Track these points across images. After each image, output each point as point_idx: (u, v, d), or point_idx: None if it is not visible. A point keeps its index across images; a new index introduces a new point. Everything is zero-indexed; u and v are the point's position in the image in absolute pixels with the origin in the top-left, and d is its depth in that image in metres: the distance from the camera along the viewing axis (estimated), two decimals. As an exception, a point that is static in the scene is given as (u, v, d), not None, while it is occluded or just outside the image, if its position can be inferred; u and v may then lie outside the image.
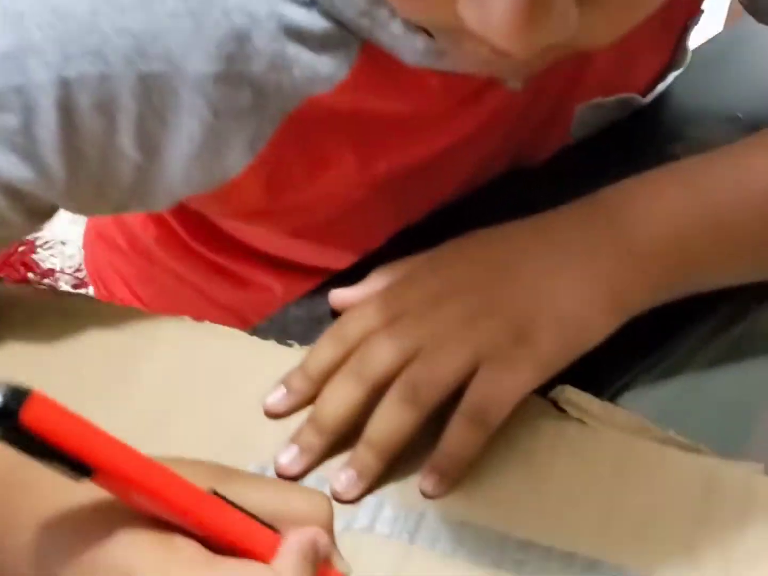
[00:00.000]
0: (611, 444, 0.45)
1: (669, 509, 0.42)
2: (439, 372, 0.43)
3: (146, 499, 0.33)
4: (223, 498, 0.34)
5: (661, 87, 0.60)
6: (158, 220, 0.68)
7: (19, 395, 0.29)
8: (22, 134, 0.42)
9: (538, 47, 0.31)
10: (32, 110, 0.42)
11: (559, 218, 0.48)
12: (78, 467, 0.31)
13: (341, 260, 0.54)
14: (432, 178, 0.54)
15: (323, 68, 0.45)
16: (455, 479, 0.43)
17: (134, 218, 0.70)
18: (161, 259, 0.70)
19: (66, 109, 0.42)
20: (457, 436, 0.43)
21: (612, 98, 0.57)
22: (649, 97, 0.60)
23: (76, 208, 0.49)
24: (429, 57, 0.44)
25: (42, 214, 0.48)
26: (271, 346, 0.48)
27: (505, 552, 0.41)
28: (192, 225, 0.65)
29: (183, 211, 0.63)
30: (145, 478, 0.32)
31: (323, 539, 0.35)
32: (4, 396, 0.29)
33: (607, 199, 0.48)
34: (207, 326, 0.49)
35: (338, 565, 0.37)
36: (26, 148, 0.43)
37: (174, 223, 0.66)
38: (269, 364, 0.47)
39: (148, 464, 0.32)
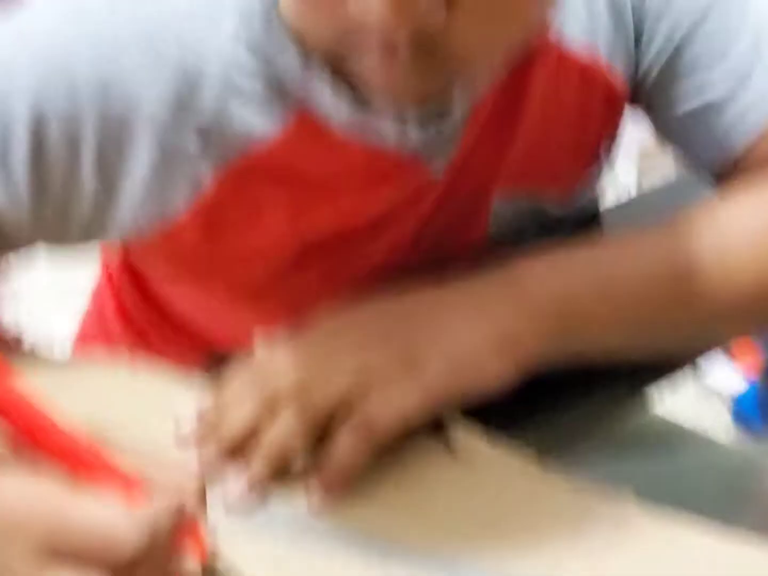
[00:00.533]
0: (495, 483, 0.47)
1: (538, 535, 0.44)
2: (329, 388, 0.47)
3: (24, 429, 0.36)
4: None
5: (573, 200, 0.66)
6: (124, 314, 0.73)
7: None
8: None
9: (409, 25, 0.39)
10: (8, 140, 0.49)
11: (466, 279, 0.53)
12: None
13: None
14: (353, 251, 0.59)
15: (259, 125, 0.51)
16: (340, 491, 0.46)
17: (112, 313, 0.75)
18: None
19: (38, 139, 0.49)
20: (344, 446, 0.46)
21: (525, 196, 0.62)
22: (563, 209, 0.66)
23: (43, 236, 0.54)
24: (354, 125, 0.51)
25: (9, 243, 0.54)
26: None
27: (375, 550, 0.43)
28: (149, 315, 0.71)
29: (143, 304, 0.70)
30: (18, 402, 0.36)
31: (191, 504, 0.38)
32: None
33: (510, 265, 0.53)
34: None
35: (204, 537, 0.39)
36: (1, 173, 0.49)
37: (135, 314, 0.72)
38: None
39: (20, 393, 0.36)
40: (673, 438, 0.73)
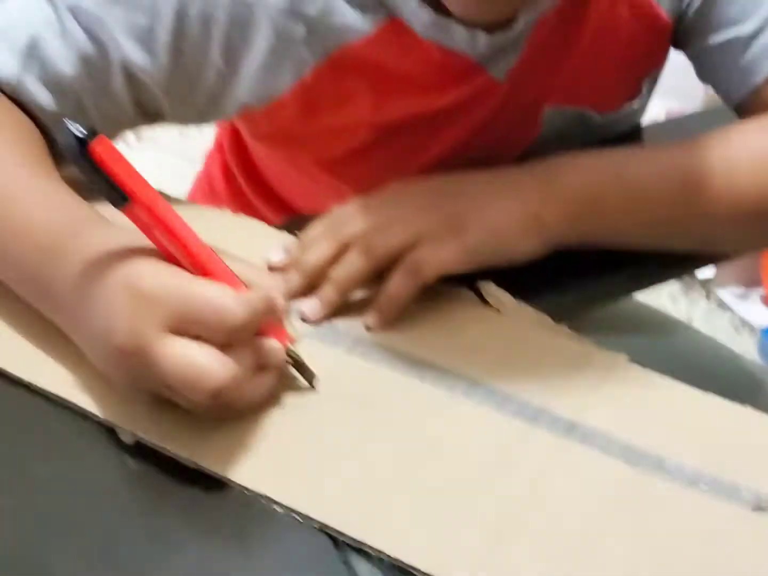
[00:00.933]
0: (514, 326, 0.58)
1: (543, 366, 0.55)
2: (389, 238, 0.58)
3: (162, 235, 0.46)
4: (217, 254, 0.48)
5: (616, 113, 0.76)
6: (228, 177, 0.86)
7: (92, 133, 0.44)
8: (147, 31, 0.60)
9: None
10: (158, 14, 0.60)
11: (505, 168, 0.63)
12: (119, 195, 0.45)
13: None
14: (423, 138, 0.70)
15: (356, 23, 0.62)
16: (391, 318, 0.57)
17: (219, 178, 0.89)
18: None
19: (180, 17, 0.60)
20: (396, 282, 0.57)
21: (573, 108, 0.72)
22: (605, 117, 0.75)
23: (170, 109, 0.65)
24: (433, 30, 0.61)
25: (146, 111, 0.65)
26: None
27: (416, 366, 0.54)
28: (247, 176, 0.83)
29: (243, 162, 0.82)
30: (165, 216, 0.46)
31: (280, 303, 0.49)
32: (85, 131, 0.43)
33: (544, 161, 0.63)
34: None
35: (288, 328, 0.51)
36: (147, 42, 0.61)
37: (237, 174, 0.84)
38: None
39: (170, 208, 0.46)
40: (670, 325, 0.84)
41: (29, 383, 0.51)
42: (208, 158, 0.94)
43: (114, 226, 0.51)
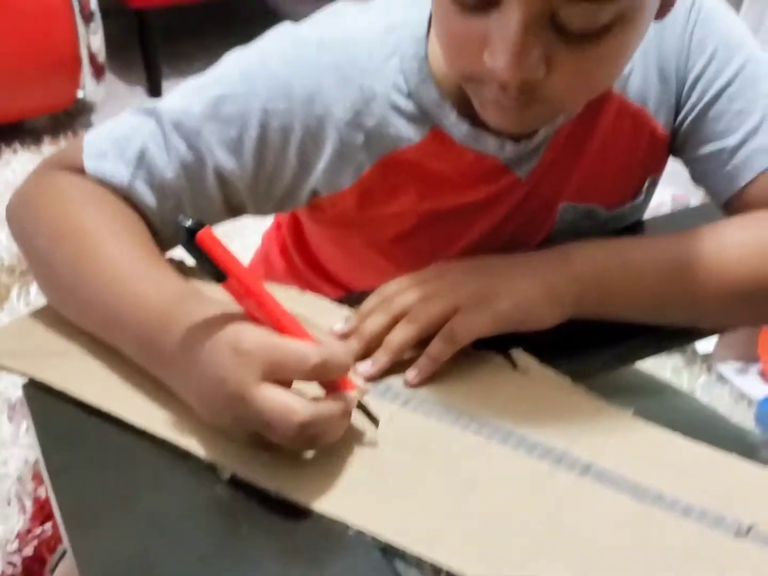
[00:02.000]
0: (539, 386, 0.70)
1: (564, 419, 0.67)
2: (431, 309, 0.69)
3: (254, 305, 0.58)
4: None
5: (621, 209, 0.88)
6: (286, 254, 0.99)
7: (199, 225, 0.55)
8: (237, 141, 0.73)
9: (521, 78, 0.61)
10: (245, 127, 0.73)
11: (527, 252, 0.75)
12: (219, 273, 0.56)
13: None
14: (458, 227, 0.82)
15: (407, 133, 0.76)
16: (427, 376, 0.69)
17: (277, 254, 1.01)
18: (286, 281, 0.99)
19: (263, 128, 0.73)
20: (434, 346, 0.69)
21: (584, 205, 0.84)
22: (612, 212, 0.87)
23: (253, 203, 0.78)
24: (469, 138, 0.75)
25: (232, 206, 0.78)
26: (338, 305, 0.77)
27: (460, 418, 0.66)
28: (303, 256, 0.96)
29: (300, 244, 0.94)
30: (256, 290, 0.57)
31: (348, 358, 0.60)
32: (193, 223, 0.55)
33: (559, 247, 0.75)
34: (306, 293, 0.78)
35: (354, 379, 0.62)
36: (236, 150, 0.74)
37: (293, 254, 0.97)
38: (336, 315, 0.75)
39: (260, 283, 0.58)
40: (670, 391, 0.96)
41: (144, 429, 0.63)
42: (265, 237, 1.07)
43: (208, 297, 0.62)
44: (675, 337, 0.80)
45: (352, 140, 0.75)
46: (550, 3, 0.59)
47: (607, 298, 0.74)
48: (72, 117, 2.45)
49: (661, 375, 1.68)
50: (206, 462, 0.60)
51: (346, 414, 0.60)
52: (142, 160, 0.73)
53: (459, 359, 0.70)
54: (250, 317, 0.59)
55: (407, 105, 0.75)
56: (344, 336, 0.71)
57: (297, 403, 0.56)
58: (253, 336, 0.57)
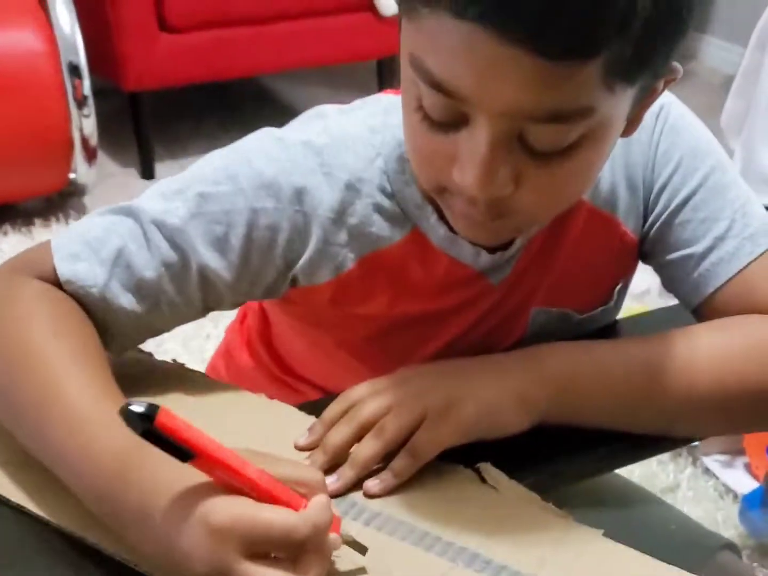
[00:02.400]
0: (508, 502, 0.69)
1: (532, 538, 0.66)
2: (397, 422, 0.69)
3: (225, 474, 0.54)
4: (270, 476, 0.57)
5: (592, 312, 0.88)
6: (252, 350, 0.98)
7: (153, 408, 0.51)
8: (223, 239, 0.73)
9: (490, 196, 0.62)
10: (232, 225, 0.73)
11: (496, 355, 0.75)
12: (185, 453, 0.52)
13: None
14: (429, 331, 0.82)
15: (388, 233, 0.76)
16: (390, 489, 0.68)
17: (239, 349, 1.00)
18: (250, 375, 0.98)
19: (251, 227, 0.73)
20: (398, 462, 0.68)
21: (555, 310, 0.84)
22: (584, 316, 0.87)
23: (231, 300, 0.77)
24: (446, 243, 0.76)
25: (209, 306, 0.77)
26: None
27: (425, 538, 0.65)
28: (270, 353, 0.95)
29: (266, 341, 0.94)
30: (227, 461, 0.54)
31: (323, 493, 0.59)
32: (146, 408, 0.51)
33: (528, 349, 0.75)
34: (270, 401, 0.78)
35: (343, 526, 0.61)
36: (223, 248, 0.73)
37: (260, 350, 0.96)
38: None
39: (228, 452, 0.55)
40: (641, 497, 0.95)
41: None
42: (228, 331, 1.06)
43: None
44: (650, 445, 0.79)
45: (334, 238, 0.75)
46: (519, 123, 0.60)
47: (575, 400, 0.73)
48: (64, 199, 2.46)
49: (647, 468, 1.68)
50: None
51: (330, 557, 0.59)
52: (119, 260, 0.71)
53: (425, 470, 0.69)
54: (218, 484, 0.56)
55: (390, 205, 0.76)
56: (307, 448, 0.71)
57: None
58: (228, 509, 0.54)
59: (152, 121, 2.67)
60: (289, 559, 0.55)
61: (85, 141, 2.26)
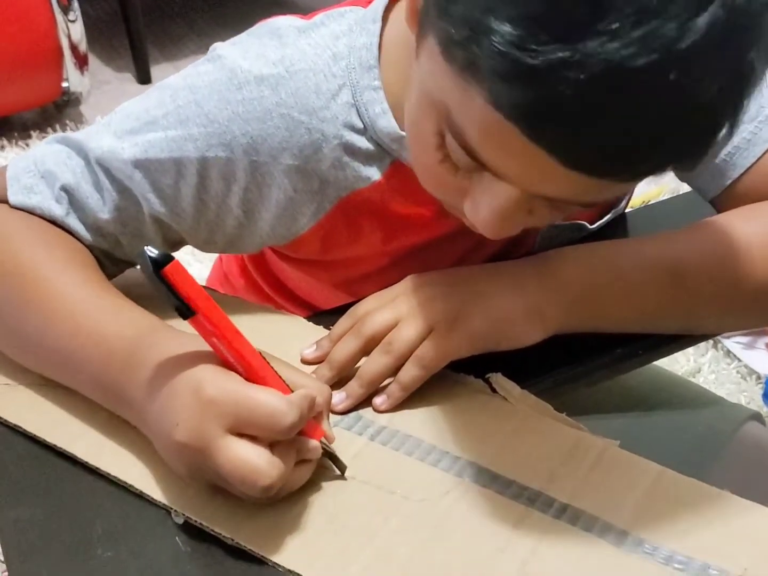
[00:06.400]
0: (519, 414, 0.66)
1: (543, 452, 0.63)
2: (405, 335, 0.65)
3: (221, 344, 0.54)
4: (266, 360, 0.56)
5: (604, 220, 0.83)
6: (246, 274, 0.94)
7: (166, 256, 0.52)
8: (173, 188, 0.68)
9: (501, 236, 0.59)
10: (182, 175, 0.68)
11: (508, 262, 0.71)
12: (185, 308, 0.53)
13: None
14: (431, 258, 0.76)
15: (365, 173, 0.70)
16: (397, 402, 0.65)
17: (236, 274, 0.96)
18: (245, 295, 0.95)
19: (202, 176, 0.68)
20: (406, 373, 0.65)
21: (567, 223, 0.80)
22: (595, 226, 0.82)
23: (195, 244, 0.74)
24: None
25: (173, 243, 0.73)
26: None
27: (431, 453, 0.62)
28: (266, 279, 0.91)
29: (262, 267, 0.89)
30: (224, 328, 0.54)
31: (320, 400, 0.57)
32: (159, 255, 0.52)
33: (543, 255, 0.70)
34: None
35: (325, 426, 0.59)
36: (173, 197, 0.69)
37: (255, 276, 0.92)
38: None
39: (228, 321, 0.54)
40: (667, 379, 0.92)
41: (95, 468, 0.60)
42: (224, 256, 1.01)
43: (181, 332, 0.59)
44: (667, 343, 0.76)
45: (304, 185, 0.70)
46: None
47: (595, 309, 0.69)
48: (60, 110, 2.40)
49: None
50: (161, 505, 0.58)
51: (311, 466, 0.57)
52: (72, 198, 0.69)
53: (434, 382, 0.66)
54: (218, 357, 0.56)
55: (363, 143, 0.69)
56: (314, 362, 0.68)
57: (263, 464, 0.53)
58: (218, 383, 0.54)
59: (144, 22, 2.58)
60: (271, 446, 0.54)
61: (74, 47, 2.18)
